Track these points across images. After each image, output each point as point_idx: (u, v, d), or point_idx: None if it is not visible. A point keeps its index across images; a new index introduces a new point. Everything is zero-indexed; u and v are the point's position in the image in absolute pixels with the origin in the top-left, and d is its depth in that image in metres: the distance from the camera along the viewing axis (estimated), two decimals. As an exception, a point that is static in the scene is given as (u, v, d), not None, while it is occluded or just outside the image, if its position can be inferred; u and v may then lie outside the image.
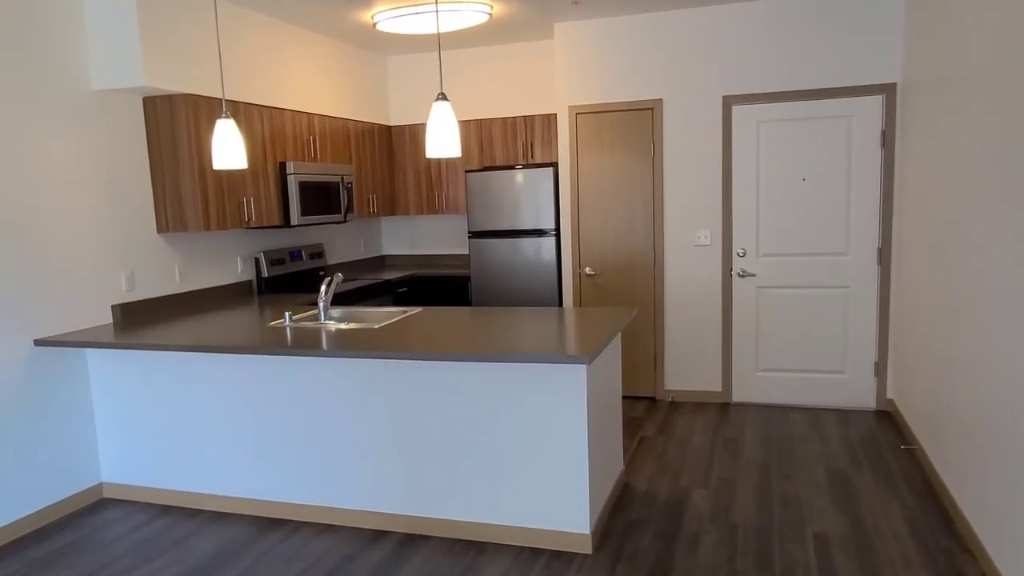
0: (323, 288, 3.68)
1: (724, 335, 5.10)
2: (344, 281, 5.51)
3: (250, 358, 3.48)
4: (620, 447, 3.77)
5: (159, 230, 4.27)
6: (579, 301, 5.39)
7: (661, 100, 5.04)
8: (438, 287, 6.05)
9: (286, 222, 4.88)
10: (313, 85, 5.28)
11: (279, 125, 4.85)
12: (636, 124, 5.13)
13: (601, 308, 3.80)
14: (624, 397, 5.39)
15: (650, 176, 5.14)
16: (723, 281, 5.06)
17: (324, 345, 3.14)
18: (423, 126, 6.22)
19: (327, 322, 3.63)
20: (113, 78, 3.83)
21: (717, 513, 3.41)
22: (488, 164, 6.05)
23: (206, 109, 4.21)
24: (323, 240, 5.89)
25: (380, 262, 6.79)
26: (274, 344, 3.18)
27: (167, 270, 4.35)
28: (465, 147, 6.10)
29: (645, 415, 4.96)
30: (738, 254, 5.01)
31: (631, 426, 4.72)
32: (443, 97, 3.13)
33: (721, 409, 5.02)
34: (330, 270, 5.94)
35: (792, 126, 4.81)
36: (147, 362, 3.70)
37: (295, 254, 5.37)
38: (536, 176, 5.48)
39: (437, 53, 6.16)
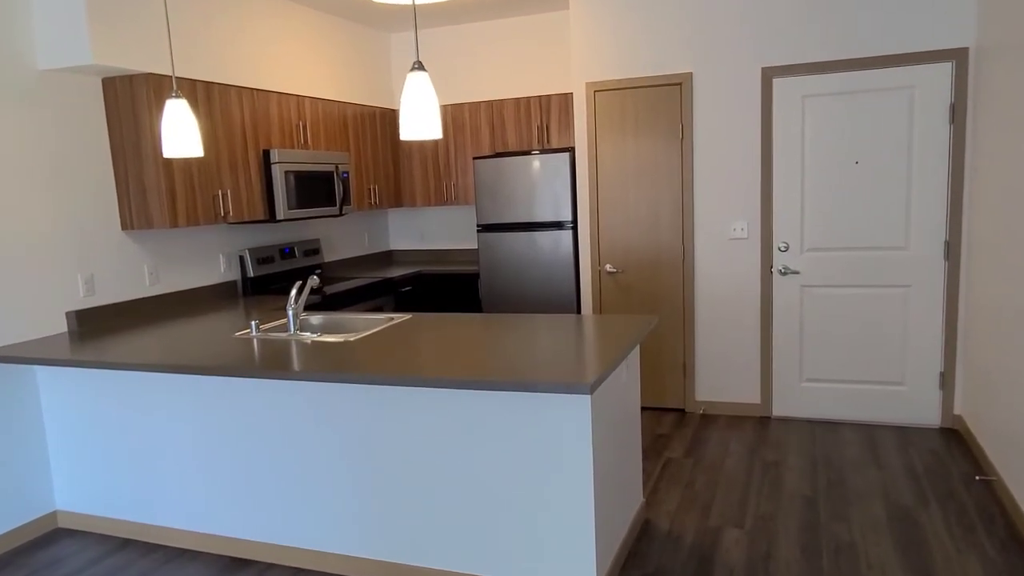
0: (293, 293, 3.20)
1: (763, 340, 4.49)
2: (341, 280, 5.03)
3: (199, 379, 3.01)
4: (639, 476, 3.22)
5: (124, 227, 3.83)
6: (599, 303, 4.83)
7: (690, 74, 4.44)
8: (445, 286, 5.55)
9: (271, 216, 4.42)
10: (304, 65, 4.79)
11: (262, 109, 4.38)
12: (662, 102, 4.53)
13: (616, 317, 3.25)
14: (648, 408, 4.83)
15: (678, 161, 4.55)
16: (762, 279, 4.45)
17: (283, 364, 2.65)
18: (430, 109, 5.69)
19: (298, 333, 3.15)
20: (60, 56, 3.38)
21: (753, 563, 2.84)
22: (500, 150, 5.51)
23: (170, 89, 3.74)
24: (320, 235, 5.41)
25: (386, 258, 6.30)
26: (220, 363, 2.70)
27: (134, 272, 3.91)
28: (474, 131, 5.57)
29: (672, 431, 4.39)
30: (779, 248, 4.40)
31: (655, 445, 4.16)
32: (419, 67, 2.60)
33: (759, 425, 4.43)
34: (328, 268, 5.47)
35: (843, 101, 4.17)
36: (96, 380, 3.27)
37: (286, 251, 4.90)
38: (551, 162, 4.92)
39: (430, 24, 5.62)
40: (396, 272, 5.46)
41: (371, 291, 4.90)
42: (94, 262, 3.69)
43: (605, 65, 4.61)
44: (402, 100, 2.59)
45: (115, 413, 3.26)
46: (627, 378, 2.94)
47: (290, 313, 3.16)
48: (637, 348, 3.14)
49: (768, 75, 4.28)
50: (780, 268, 4.41)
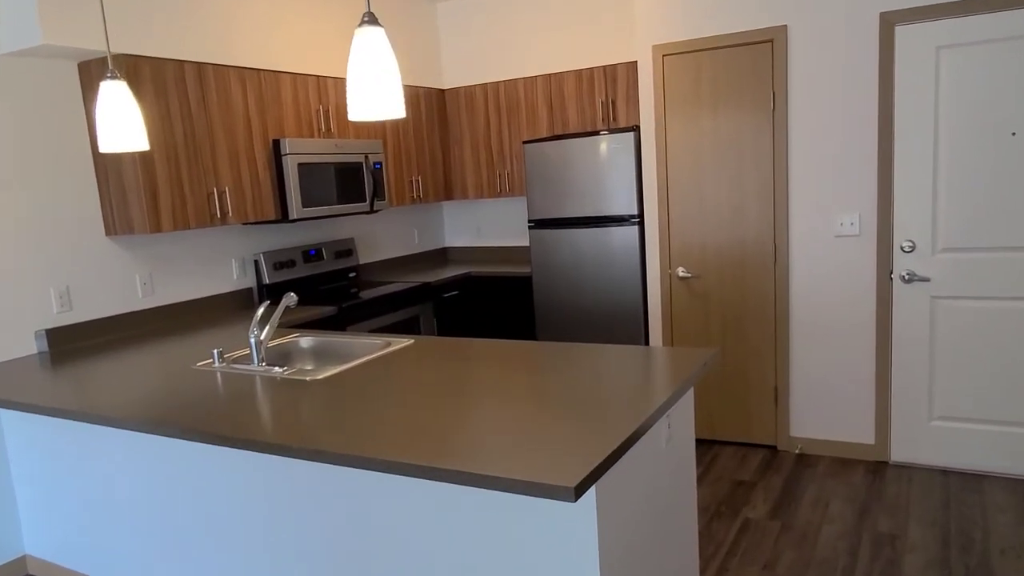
0: (258, 314, 2.60)
1: (879, 364, 3.52)
2: (375, 286, 4.45)
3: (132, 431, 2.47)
4: (694, 562, 2.41)
5: (108, 232, 3.38)
6: (669, 314, 3.98)
7: (785, 27, 3.50)
8: (496, 290, 4.85)
9: (284, 215, 3.87)
10: (324, 41, 4.20)
11: (272, 93, 3.82)
12: (748, 65, 3.62)
13: (663, 351, 2.44)
14: (731, 444, 3.95)
15: (768, 138, 3.62)
16: (878, 287, 3.48)
17: (202, 416, 2.05)
18: (482, 87, 5.00)
19: (263, 366, 2.55)
20: (10, 39, 2.93)
21: None
22: (560, 132, 4.74)
23: (151, 74, 3.24)
24: (356, 233, 4.85)
25: (439, 257, 5.68)
26: (132, 414, 2.13)
27: (123, 282, 3.46)
28: (531, 111, 4.82)
29: (758, 477, 3.51)
30: (903, 248, 3.40)
31: (732, 498, 3.30)
32: (371, 20, 1.91)
33: (873, 473, 3.47)
34: (364, 271, 4.90)
35: (996, 51, 3.12)
36: (48, 421, 2.81)
37: (312, 253, 4.36)
38: (610, 145, 4.11)
39: (496, -6, 4.89)
40: (447, 273, 4.82)
41: (406, 298, 4.28)
42: (71, 273, 3.25)
43: (675, 22, 3.74)
44: (349, 67, 1.91)
45: (71, 460, 2.80)
46: (671, 439, 2.15)
47: (252, 342, 2.56)
48: (691, 392, 2.33)
49: (889, 21, 3.29)
50: (903, 274, 3.42)
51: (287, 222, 3.97)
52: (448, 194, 5.20)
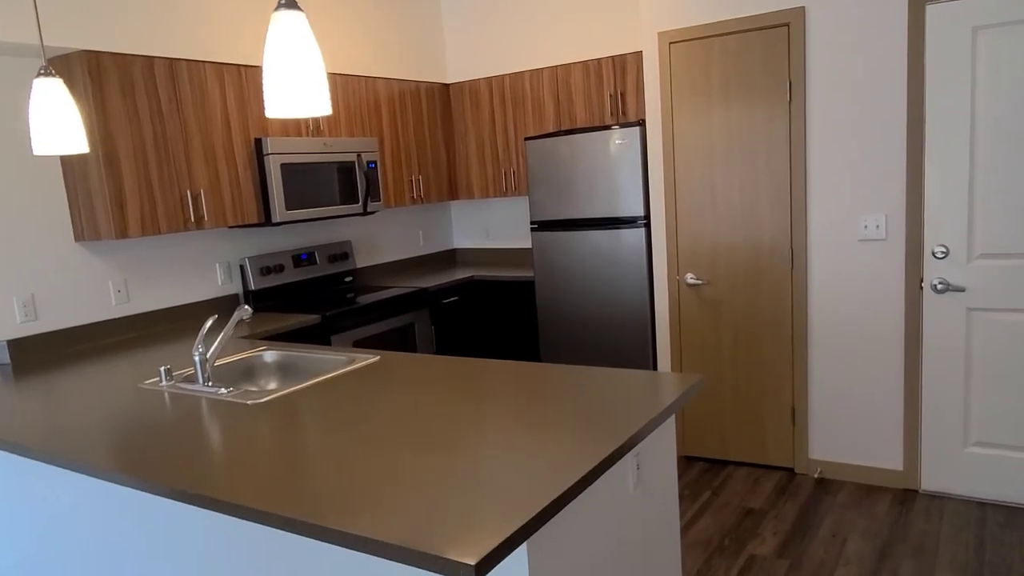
0: (204, 328, 2.40)
1: (908, 382, 3.17)
2: (371, 291, 4.24)
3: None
4: (682, 613, 2.13)
5: (77, 238, 3.23)
6: (677, 325, 3.68)
7: (803, 9, 3.17)
8: (498, 295, 4.60)
9: (267, 218, 3.68)
10: (316, 34, 4.00)
11: (253, 89, 3.64)
12: (761, 52, 3.30)
13: (640, 375, 2.15)
14: (744, 465, 3.64)
15: (784, 131, 3.29)
16: (907, 297, 3.12)
17: (122, 447, 1.85)
18: (486, 81, 4.75)
19: (208, 386, 2.35)
20: (-35, 35, 2.79)
21: None
22: (568, 127, 4.46)
23: (117, 71, 3.07)
24: (353, 236, 4.64)
25: (447, 259, 5.45)
26: (51, 447, 1.94)
27: (94, 289, 3.31)
28: (537, 105, 4.55)
29: (771, 504, 3.20)
30: (935, 255, 3.05)
31: (739, 529, 3.00)
32: (288, 3, 1.67)
33: (901, 503, 3.13)
34: (361, 275, 4.70)
35: (1040, 31, 2.75)
36: None
37: (303, 257, 4.17)
38: (614, 140, 3.82)
39: (500, -18, 4.63)
40: (452, 277, 4.59)
41: (399, 305, 4.05)
42: (36, 280, 3.11)
43: (682, 7, 3.43)
44: (265, 58, 1.68)
45: (17, 496, 2.65)
46: (641, 481, 1.87)
47: (196, 360, 2.36)
48: (671, 423, 2.04)
49: (918, 0, 2.93)
50: (935, 282, 3.06)
51: (272, 225, 3.78)
52: (453, 194, 4.97)
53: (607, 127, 3.85)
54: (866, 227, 3.17)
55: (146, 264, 3.50)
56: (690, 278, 3.61)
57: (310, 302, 3.99)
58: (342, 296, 4.11)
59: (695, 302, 3.63)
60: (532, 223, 4.19)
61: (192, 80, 3.35)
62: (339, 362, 2.59)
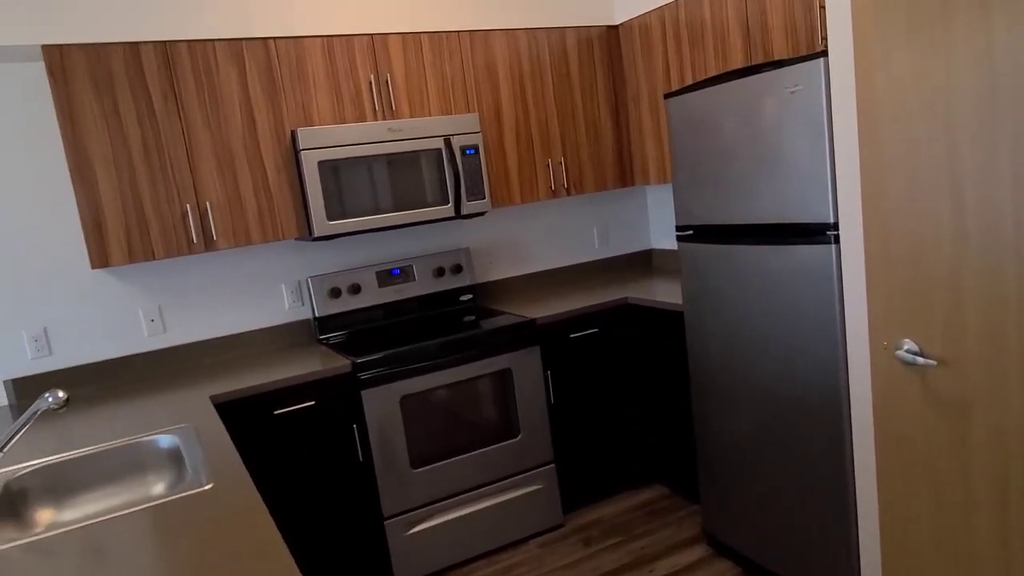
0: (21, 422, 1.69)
1: None
2: (492, 316, 3.23)
3: None
4: None
5: (94, 265, 2.85)
6: (883, 439, 1.94)
7: None
8: (650, 328, 3.17)
9: (308, 231, 2.91)
10: (391, -15, 3.05)
11: (288, 68, 2.85)
12: None
13: None
14: None
15: None
16: None
17: None
18: (658, 13, 3.29)
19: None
20: (-72, 47, 2.50)
21: None
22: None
23: (88, 66, 2.54)
24: (472, 242, 3.62)
25: (641, 263, 4.09)
26: None
27: (122, 319, 2.92)
28: (719, 39, 2.97)
29: None
30: None
31: None
32: None
33: None
34: (485, 293, 3.65)
35: None
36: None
37: (395, 272, 3.32)
38: (784, 88, 2.15)
39: None
40: (608, 297, 3.33)
41: (490, 342, 2.96)
42: (49, 311, 2.81)
43: None
44: None
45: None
46: None
47: (-50, 474, 1.68)
48: None
49: None
50: None
51: (310, 239, 2.99)
52: (622, 179, 3.62)
53: (776, 64, 2.20)
54: None
55: (183, 288, 3.02)
56: (907, 349, 1.85)
57: (385, 334, 3.14)
58: (455, 323, 3.17)
59: (918, 394, 1.86)
60: (678, 229, 2.71)
61: (196, 66, 2.70)
62: (122, 507, 1.70)
